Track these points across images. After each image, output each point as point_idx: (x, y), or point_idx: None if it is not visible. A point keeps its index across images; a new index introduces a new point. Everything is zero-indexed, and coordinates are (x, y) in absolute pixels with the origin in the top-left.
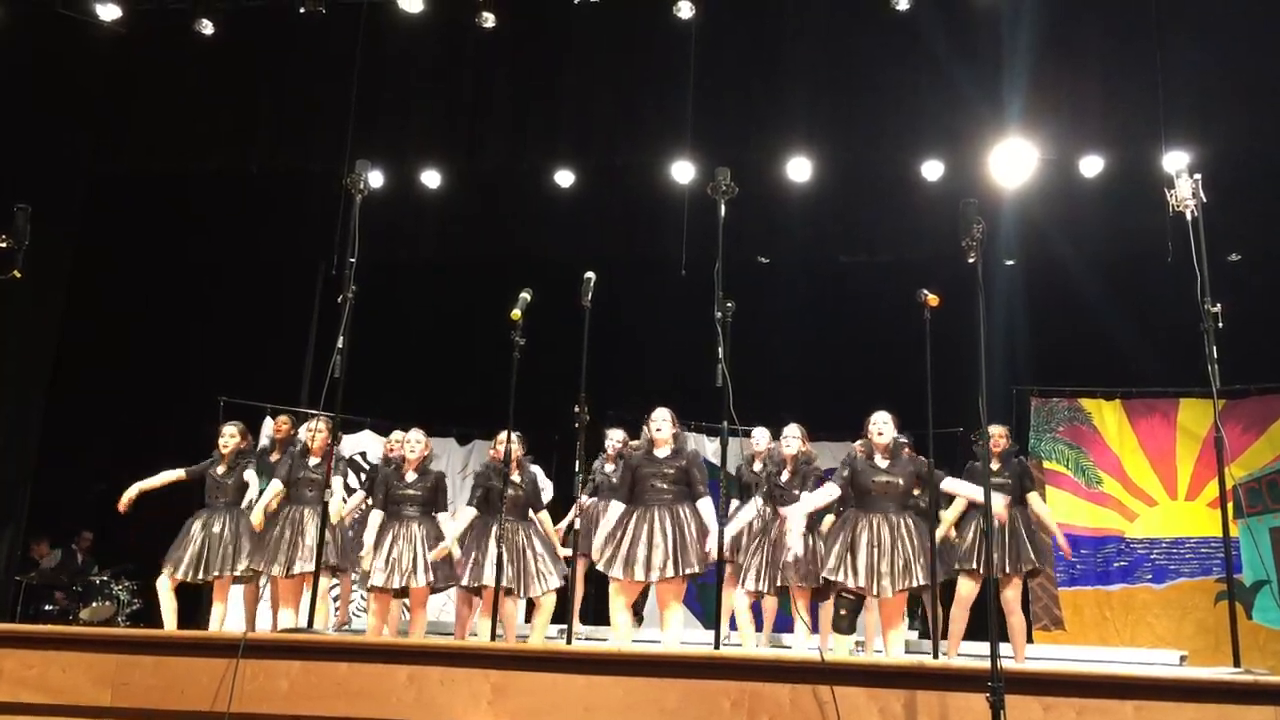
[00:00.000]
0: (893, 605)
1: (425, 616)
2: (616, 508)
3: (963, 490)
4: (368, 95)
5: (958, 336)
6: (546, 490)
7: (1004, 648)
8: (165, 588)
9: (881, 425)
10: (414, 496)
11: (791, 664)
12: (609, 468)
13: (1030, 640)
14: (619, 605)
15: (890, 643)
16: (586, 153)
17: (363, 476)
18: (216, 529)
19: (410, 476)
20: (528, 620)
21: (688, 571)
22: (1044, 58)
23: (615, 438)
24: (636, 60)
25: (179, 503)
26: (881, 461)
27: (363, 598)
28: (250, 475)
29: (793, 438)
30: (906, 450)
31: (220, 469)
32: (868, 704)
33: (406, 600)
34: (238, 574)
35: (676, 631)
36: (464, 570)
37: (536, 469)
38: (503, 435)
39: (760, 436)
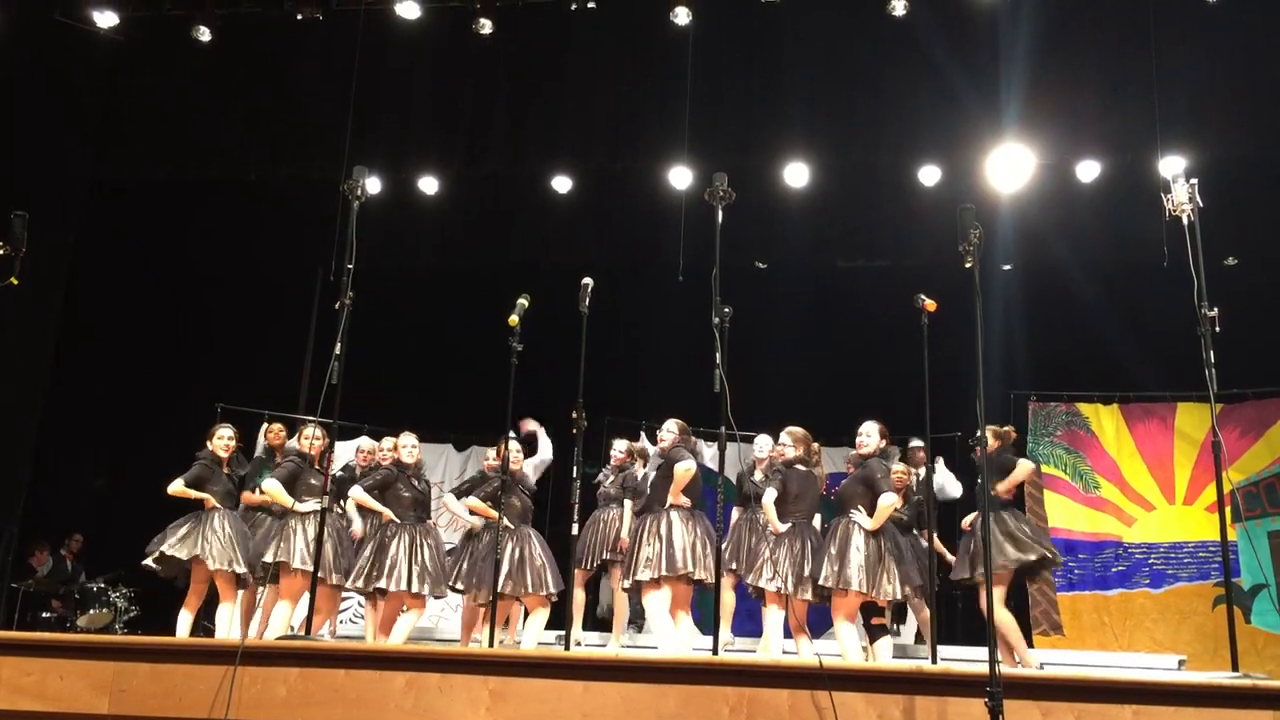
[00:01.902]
0: (801, 606)
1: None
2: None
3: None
4: (366, 102)
5: (955, 341)
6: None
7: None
8: (186, 622)
9: (863, 436)
10: (417, 500)
11: (790, 669)
12: (610, 479)
13: (1030, 645)
14: (662, 609)
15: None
16: (584, 158)
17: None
18: (219, 528)
19: (414, 480)
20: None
21: (636, 578)
22: (1041, 63)
23: (619, 448)
24: (634, 66)
25: (172, 508)
26: (851, 471)
27: (360, 604)
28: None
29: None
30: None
31: (224, 471)
32: (866, 709)
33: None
34: (238, 574)
35: (655, 632)
36: (470, 580)
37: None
38: (493, 449)
39: (763, 444)
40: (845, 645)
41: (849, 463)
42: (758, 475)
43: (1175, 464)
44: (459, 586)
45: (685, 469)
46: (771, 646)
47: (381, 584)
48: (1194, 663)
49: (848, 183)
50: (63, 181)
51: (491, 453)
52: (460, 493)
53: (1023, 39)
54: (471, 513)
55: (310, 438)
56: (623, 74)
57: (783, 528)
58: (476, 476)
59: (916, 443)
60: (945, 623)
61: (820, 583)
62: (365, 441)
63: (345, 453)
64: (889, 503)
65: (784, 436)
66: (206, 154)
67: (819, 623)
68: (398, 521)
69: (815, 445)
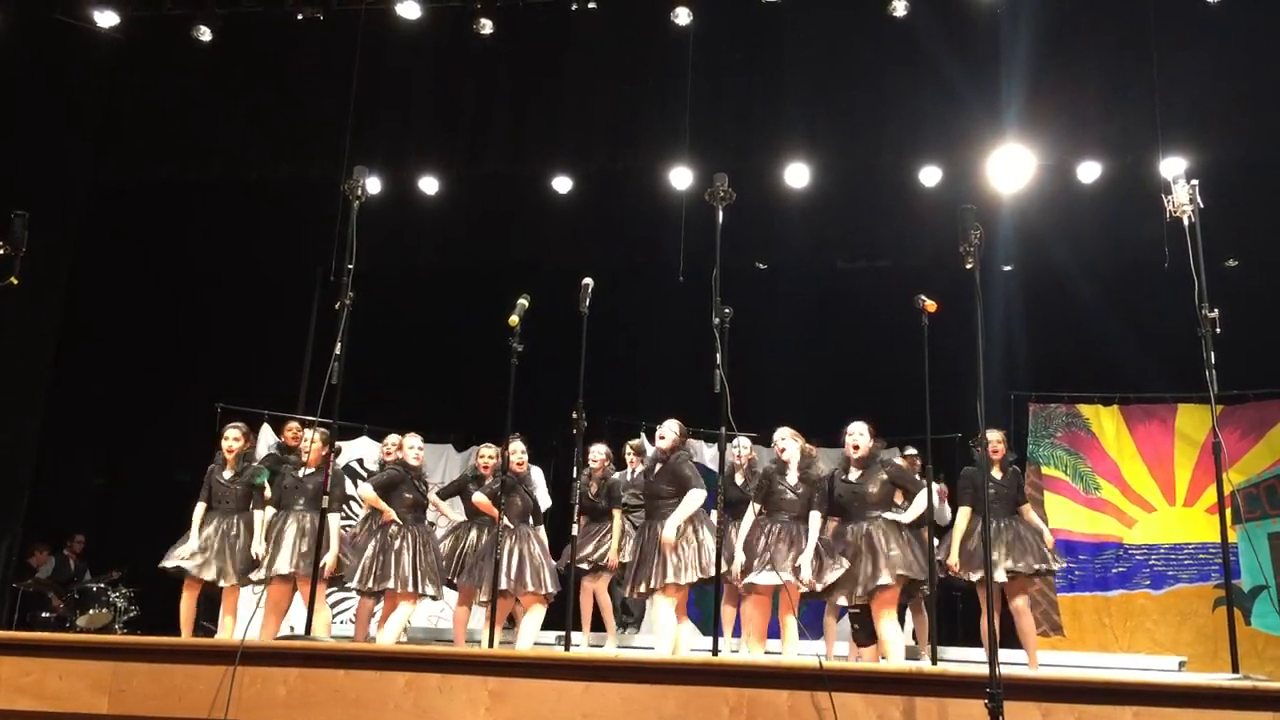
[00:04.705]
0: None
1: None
2: None
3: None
4: (366, 102)
5: (956, 342)
6: (544, 499)
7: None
8: (188, 604)
9: (857, 437)
10: (418, 503)
11: (790, 670)
12: (595, 489)
13: None
14: (667, 613)
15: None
16: (584, 158)
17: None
18: (232, 534)
19: (417, 483)
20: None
21: (667, 582)
22: (1042, 64)
23: (597, 453)
24: (634, 66)
25: (172, 507)
26: (854, 473)
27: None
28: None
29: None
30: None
31: (226, 473)
32: (866, 710)
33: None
34: (252, 580)
35: (663, 636)
36: (469, 579)
37: (538, 476)
38: (484, 448)
39: (743, 446)
40: (889, 639)
41: (854, 465)
42: (738, 479)
43: (1176, 465)
44: (455, 581)
45: (697, 499)
46: (787, 649)
47: (389, 584)
48: (1194, 664)
49: (848, 183)
50: (62, 181)
51: (486, 451)
52: (447, 493)
53: (1023, 39)
54: (477, 509)
55: (310, 440)
56: (623, 74)
57: (776, 528)
58: (467, 475)
59: (911, 451)
60: (944, 624)
61: (862, 585)
62: (393, 437)
63: (346, 454)
64: (924, 505)
65: (785, 436)
66: (207, 153)
67: (814, 622)
68: (399, 523)
69: (809, 447)
